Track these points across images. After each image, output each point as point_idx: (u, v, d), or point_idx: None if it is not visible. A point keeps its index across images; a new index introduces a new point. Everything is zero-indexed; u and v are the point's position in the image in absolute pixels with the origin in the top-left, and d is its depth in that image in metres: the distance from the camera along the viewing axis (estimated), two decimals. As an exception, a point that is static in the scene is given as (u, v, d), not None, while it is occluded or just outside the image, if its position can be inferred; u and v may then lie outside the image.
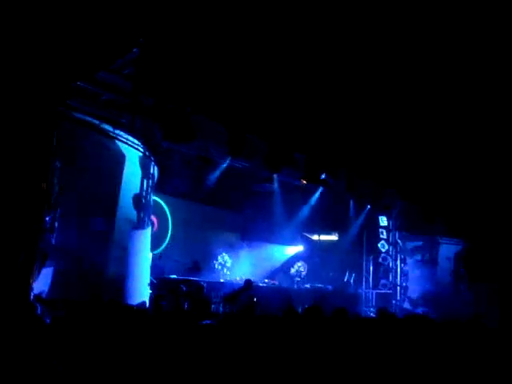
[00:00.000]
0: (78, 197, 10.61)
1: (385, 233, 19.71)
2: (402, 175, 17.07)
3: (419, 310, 17.82)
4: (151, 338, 4.47)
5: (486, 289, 17.78)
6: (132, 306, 7.72)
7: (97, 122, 11.17)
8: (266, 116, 13.51)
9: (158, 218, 15.59)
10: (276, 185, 17.57)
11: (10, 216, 9.07)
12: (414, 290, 19.96)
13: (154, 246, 13.90)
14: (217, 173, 15.62)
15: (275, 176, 17.13)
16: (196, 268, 14.92)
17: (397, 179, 17.41)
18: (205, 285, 13.81)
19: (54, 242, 9.88)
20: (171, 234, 16.59)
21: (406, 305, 19.39)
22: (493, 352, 4.59)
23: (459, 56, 12.21)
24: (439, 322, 5.53)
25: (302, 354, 4.08)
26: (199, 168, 15.43)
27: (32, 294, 8.88)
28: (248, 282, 13.22)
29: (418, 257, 20.41)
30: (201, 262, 15.75)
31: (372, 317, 14.23)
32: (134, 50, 10.90)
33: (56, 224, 9.95)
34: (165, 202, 16.34)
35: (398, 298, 19.54)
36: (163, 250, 15.62)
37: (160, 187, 14.72)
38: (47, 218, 9.76)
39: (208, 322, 4.62)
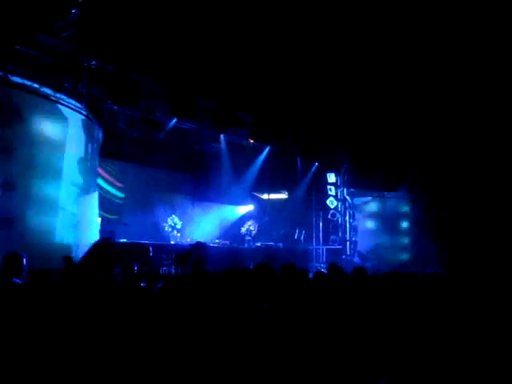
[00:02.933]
0: (20, 162, 10.36)
1: (333, 189, 19.91)
2: (349, 132, 17.21)
3: (368, 264, 18.17)
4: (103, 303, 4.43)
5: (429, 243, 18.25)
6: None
7: (37, 85, 10.87)
8: (210, 76, 13.37)
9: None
10: (224, 145, 17.49)
11: None
12: (364, 245, 20.33)
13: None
14: (164, 135, 15.40)
15: (222, 136, 17.03)
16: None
17: (343, 136, 17.55)
18: (150, 247, 13.71)
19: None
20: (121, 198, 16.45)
21: (356, 259, 19.72)
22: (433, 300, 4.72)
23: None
24: (382, 274, 5.65)
25: (250, 309, 4.11)
26: (146, 131, 15.21)
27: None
28: (199, 244, 13.21)
29: (367, 212, 20.75)
30: (153, 224, 15.69)
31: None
32: (73, 10, 10.57)
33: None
34: (113, 166, 16.10)
35: (348, 252, 19.86)
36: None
37: (107, 152, 14.49)
38: (-11, 187, 9.53)
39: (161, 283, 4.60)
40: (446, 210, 17.73)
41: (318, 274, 7.19)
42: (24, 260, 5.99)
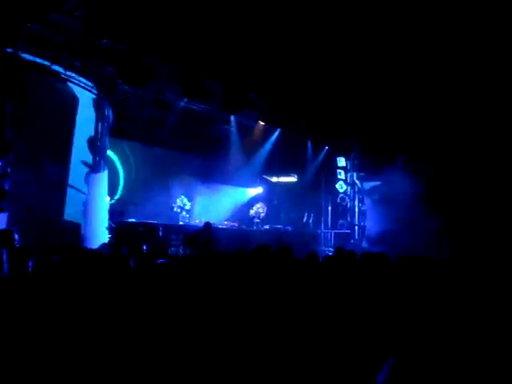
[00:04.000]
0: (30, 141, 10.41)
1: (343, 173, 19.83)
2: (360, 116, 17.12)
3: (377, 249, 18.12)
4: (111, 281, 4.44)
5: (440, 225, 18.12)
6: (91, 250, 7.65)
7: (48, 63, 10.86)
8: (222, 57, 13.31)
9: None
10: (234, 127, 17.44)
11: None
12: (372, 230, 20.25)
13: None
14: (174, 116, 15.38)
15: (233, 118, 16.99)
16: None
17: (354, 120, 17.46)
18: (160, 227, 13.75)
19: (7, 187, 9.70)
20: (132, 179, 16.47)
21: (364, 244, 19.67)
22: (445, 282, 4.70)
23: None
24: (395, 259, 5.62)
25: (255, 290, 4.12)
26: (156, 111, 15.19)
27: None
28: (207, 225, 13.24)
29: (376, 196, 20.63)
30: (162, 205, 15.72)
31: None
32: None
33: (9, 169, 9.76)
34: (123, 147, 16.09)
35: (356, 237, 19.84)
36: (121, 195, 15.47)
37: (118, 132, 14.50)
38: (0, 163, 9.57)
39: (162, 260, 4.61)
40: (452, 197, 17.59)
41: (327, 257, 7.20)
42: (16, 236, 6.09)
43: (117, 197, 14.59)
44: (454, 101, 15.69)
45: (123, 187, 16.04)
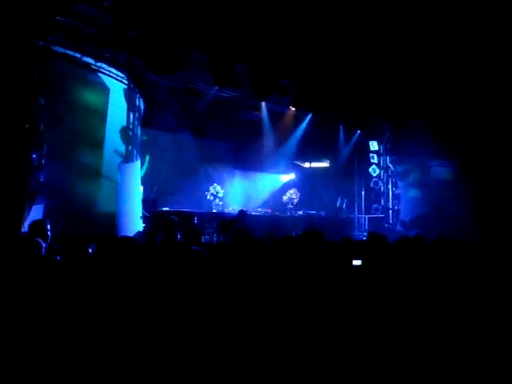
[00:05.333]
0: (63, 132, 10.51)
1: (375, 157, 19.66)
2: (391, 100, 16.92)
3: (412, 233, 17.95)
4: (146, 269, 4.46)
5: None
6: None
7: (78, 55, 10.94)
8: (251, 43, 13.24)
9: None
10: (265, 113, 17.39)
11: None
12: (407, 213, 20.07)
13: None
14: (205, 104, 15.39)
15: (263, 104, 16.92)
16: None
17: (387, 103, 17.26)
18: (196, 215, 13.81)
19: (42, 179, 9.82)
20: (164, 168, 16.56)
21: (399, 228, 19.52)
22: (481, 264, 4.62)
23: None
24: (432, 243, 5.53)
25: (294, 278, 4.09)
26: (187, 100, 15.21)
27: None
28: (242, 213, 13.25)
29: (410, 180, 20.42)
30: (193, 193, 15.76)
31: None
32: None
33: (43, 161, 9.87)
34: (154, 137, 16.16)
35: (391, 221, 19.69)
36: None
37: (148, 122, 14.58)
38: (34, 156, 9.67)
39: (196, 248, 4.61)
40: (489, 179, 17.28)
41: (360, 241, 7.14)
42: (48, 225, 6.20)
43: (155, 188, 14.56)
44: (492, 83, 15.39)
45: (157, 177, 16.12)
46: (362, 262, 4.98)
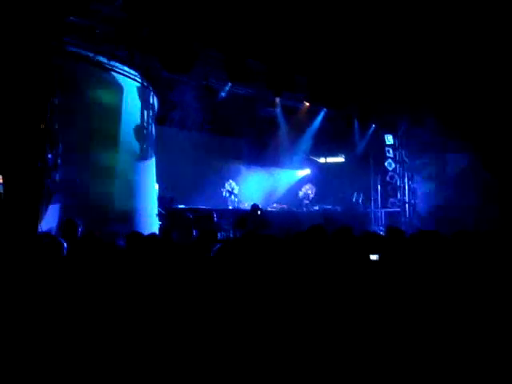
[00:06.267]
0: (78, 132, 10.53)
1: (391, 151, 19.54)
2: (406, 93, 16.78)
3: (429, 227, 17.83)
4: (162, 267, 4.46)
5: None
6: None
7: (91, 54, 10.96)
8: (264, 39, 13.21)
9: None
10: (279, 109, 17.36)
11: (13, 157, 9.05)
12: (423, 207, 19.94)
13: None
14: (219, 101, 15.37)
15: (278, 100, 16.88)
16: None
17: (401, 97, 17.14)
18: (214, 213, 13.83)
19: (58, 178, 9.86)
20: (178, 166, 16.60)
21: (416, 222, 19.41)
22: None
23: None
24: (450, 237, 5.48)
25: (309, 270, 4.07)
26: (201, 97, 15.22)
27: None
28: (255, 207, 13.25)
29: (426, 173, 20.28)
30: (209, 190, 15.77)
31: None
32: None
33: (59, 161, 9.91)
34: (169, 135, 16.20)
35: (408, 215, 19.58)
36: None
37: (163, 120, 14.62)
38: (50, 156, 9.72)
39: (218, 245, 4.61)
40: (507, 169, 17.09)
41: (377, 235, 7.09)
42: (80, 228, 6.22)
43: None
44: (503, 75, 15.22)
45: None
46: (380, 257, 4.94)
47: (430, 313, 3.64)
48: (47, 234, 8.48)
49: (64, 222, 6.63)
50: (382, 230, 17.23)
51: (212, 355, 3.28)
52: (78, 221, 6.60)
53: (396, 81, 16.18)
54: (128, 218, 11.56)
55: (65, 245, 4.91)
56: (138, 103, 12.40)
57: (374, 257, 4.98)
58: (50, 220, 9.47)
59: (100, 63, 11.23)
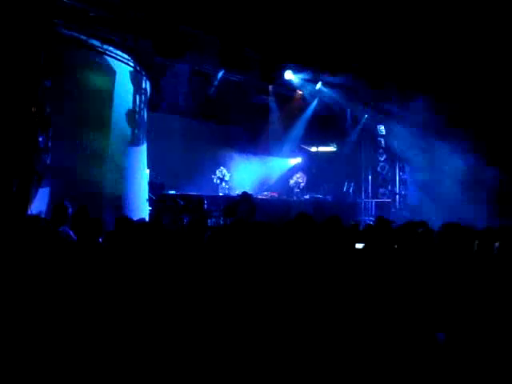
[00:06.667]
0: (70, 115, 10.49)
1: (383, 142, 19.56)
2: (401, 81, 16.73)
3: (418, 218, 17.85)
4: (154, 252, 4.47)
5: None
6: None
7: (84, 37, 10.90)
8: (258, 26, 13.15)
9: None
10: (272, 97, 17.35)
11: (3, 139, 9.01)
12: (413, 198, 20.00)
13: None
14: (212, 87, 15.33)
15: (271, 88, 16.86)
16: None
17: (396, 85, 17.09)
18: (205, 199, 13.85)
19: (48, 162, 9.83)
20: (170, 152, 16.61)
21: (406, 213, 19.46)
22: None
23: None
24: (438, 228, 5.51)
25: (298, 259, 4.09)
26: (195, 83, 15.18)
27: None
28: (245, 194, 13.26)
29: (417, 164, 20.31)
30: (200, 176, 15.76)
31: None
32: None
33: (50, 144, 9.88)
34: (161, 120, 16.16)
35: (398, 206, 19.65)
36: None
37: (156, 105, 14.57)
38: (40, 139, 9.69)
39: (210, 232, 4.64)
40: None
41: (368, 225, 7.14)
42: (70, 210, 6.24)
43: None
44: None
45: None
46: (364, 246, 4.98)
47: (412, 302, 3.68)
48: (36, 216, 8.49)
49: (54, 208, 6.66)
50: (371, 221, 17.29)
51: (205, 342, 3.30)
52: (67, 203, 6.62)
53: (390, 68, 16.11)
54: (118, 202, 11.54)
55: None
56: (130, 88, 12.34)
57: (359, 245, 5.02)
58: (39, 203, 9.44)
59: (93, 46, 11.17)
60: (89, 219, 5.30)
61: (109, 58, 11.59)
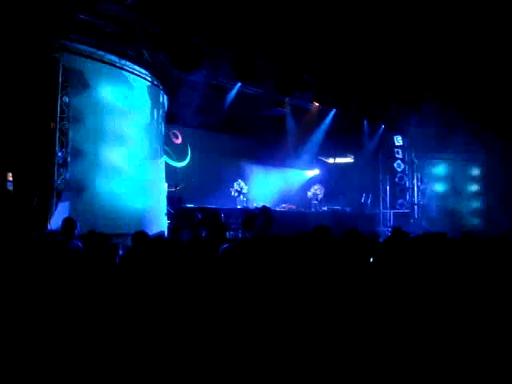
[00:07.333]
0: (88, 130, 10.58)
1: (400, 152, 19.53)
2: (415, 93, 16.72)
3: (437, 229, 17.78)
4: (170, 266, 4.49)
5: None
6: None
7: (101, 53, 11.01)
8: (273, 38, 13.23)
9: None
10: (289, 109, 17.38)
11: (22, 155, 9.12)
12: (432, 209, 19.92)
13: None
14: (228, 100, 15.40)
15: (287, 100, 16.89)
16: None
17: (410, 97, 17.08)
18: (222, 212, 13.87)
19: (68, 176, 9.92)
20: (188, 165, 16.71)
21: (424, 223, 19.37)
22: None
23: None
24: (456, 239, 5.47)
25: (315, 271, 4.09)
26: (211, 96, 15.25)
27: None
28: (264, 208, 13.24)
29: (435, 174, 20.25)
30: (218, 189, 15.79)
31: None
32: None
33: (68, 159, 9.98)
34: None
35: (416, 216, 19.55)
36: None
37: (173, 118, 14.66)
38: (59, 154, 9.79)
39: (226, 245, 4.64)
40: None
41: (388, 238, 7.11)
42: (78, 225, 6.37)
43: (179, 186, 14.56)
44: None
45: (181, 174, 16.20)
46: (375, 259, 4.93)
47: (426, 314, 3.65)
48: (53, 232, 8.58)
49: (64, 221, 6.77)
50: (389, 231, 17.21)
51: (216, 354, 3.31)
52: (75, 221, 6.76)
53: (405, 80, 16.13)
54: (137, 216, 11.59)
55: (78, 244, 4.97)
56: (147, 102, 12.42)
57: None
58: (59, 218, 9.51)
59: (111, 62, 11.27)
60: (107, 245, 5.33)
61: (126, 73, 11.69)
